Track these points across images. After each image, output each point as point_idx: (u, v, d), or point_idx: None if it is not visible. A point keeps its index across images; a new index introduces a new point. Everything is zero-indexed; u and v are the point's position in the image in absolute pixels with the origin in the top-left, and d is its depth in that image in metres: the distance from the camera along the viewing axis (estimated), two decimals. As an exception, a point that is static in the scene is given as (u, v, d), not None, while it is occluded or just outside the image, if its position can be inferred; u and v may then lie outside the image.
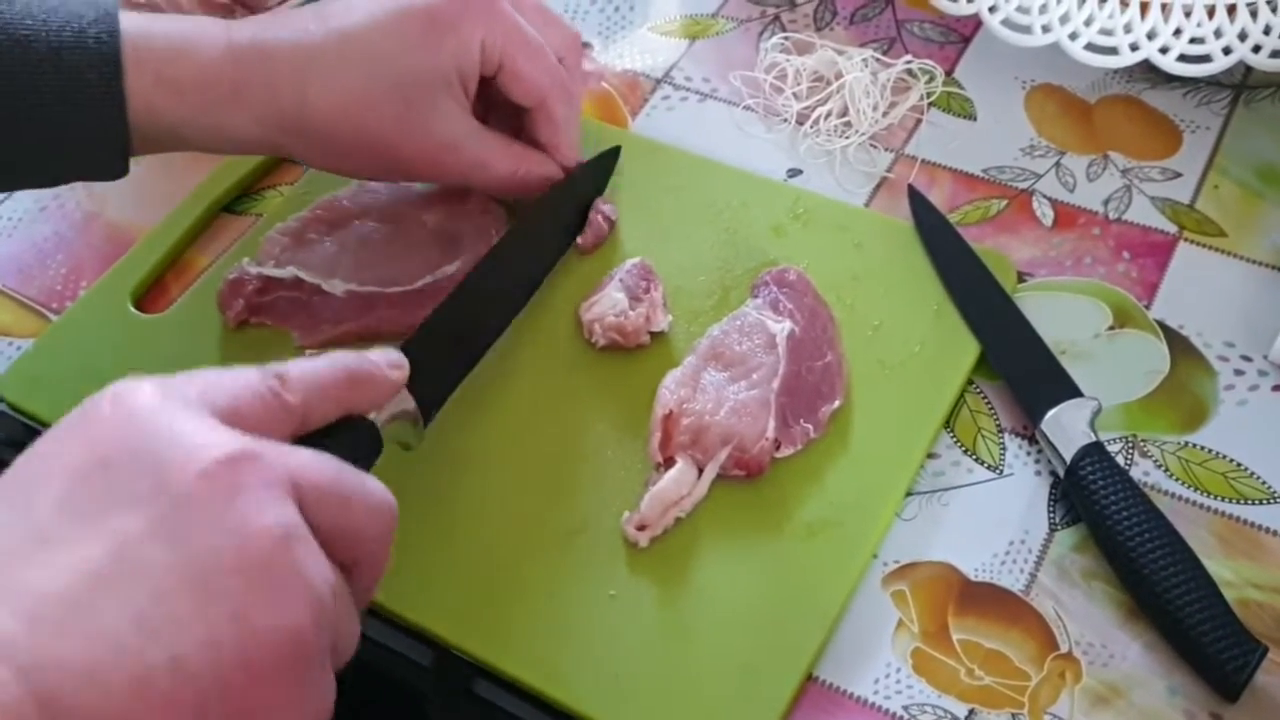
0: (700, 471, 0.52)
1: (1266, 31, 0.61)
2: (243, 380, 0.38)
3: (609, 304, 0.56)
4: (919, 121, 0.67)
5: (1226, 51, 0.61)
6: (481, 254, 0.60)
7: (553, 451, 0.54)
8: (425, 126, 0.55)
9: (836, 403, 0.54)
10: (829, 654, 0.49)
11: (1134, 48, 0.62)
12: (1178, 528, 0.49)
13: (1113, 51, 0.63)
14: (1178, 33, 0.62)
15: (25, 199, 0.68)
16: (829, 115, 0.67)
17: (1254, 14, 0.61)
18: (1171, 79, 0.66)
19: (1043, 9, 0.63)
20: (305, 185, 0.65)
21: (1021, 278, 0.60)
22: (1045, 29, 0.63)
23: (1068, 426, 0.52)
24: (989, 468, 0.54)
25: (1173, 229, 0.61)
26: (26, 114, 0.50)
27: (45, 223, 0.67)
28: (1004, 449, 0.54)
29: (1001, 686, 0.48)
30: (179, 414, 0.35)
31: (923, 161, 0.65)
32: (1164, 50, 0.62)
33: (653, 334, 0.57)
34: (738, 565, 0.50)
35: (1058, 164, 0.64)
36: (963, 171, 0.65)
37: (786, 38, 0.71)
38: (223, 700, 0.33)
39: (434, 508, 0.52)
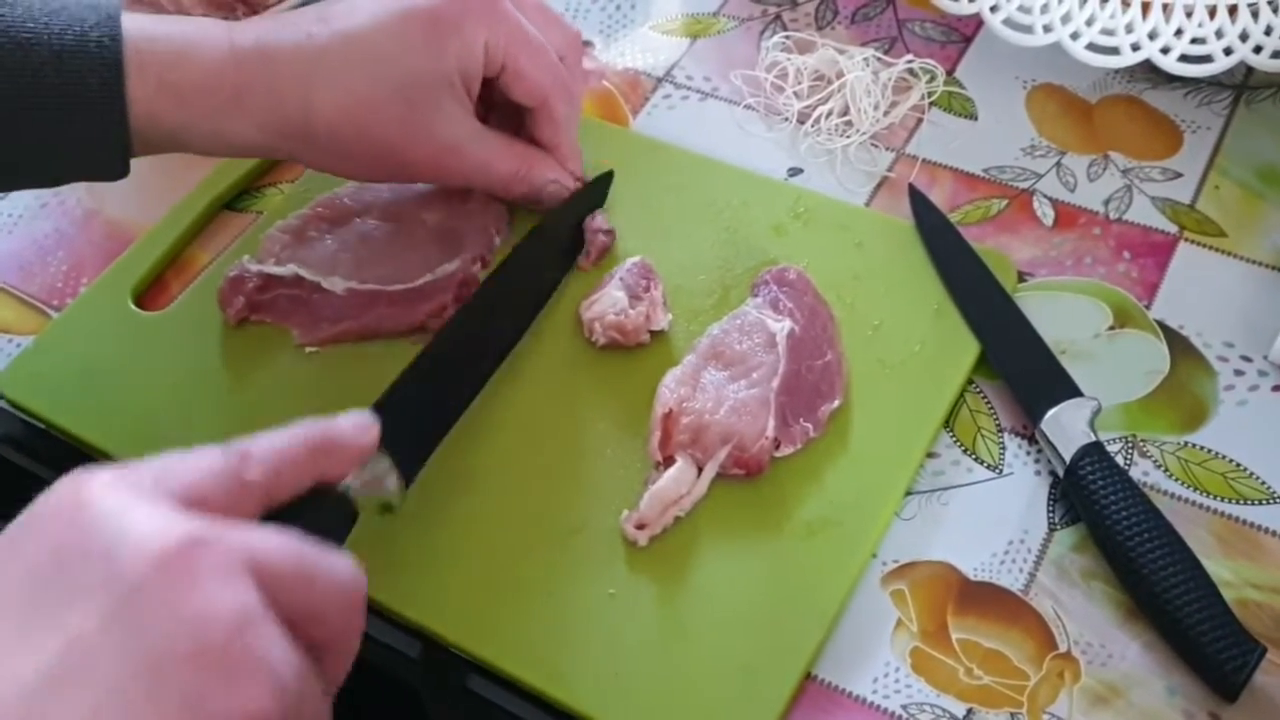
0: (700, 470, 0.52)
1: (1268, 32, 0.61)
2: (203, 462, 0.37)
3: (609, 303, 0.56)
4: (920, 121, 0.67)
5: (1228, 52, 0.61)
6: (481, 252, 0.61)
7: (552, 450, 0.54)
8: (428, 129, 0.55)
9: (836, 402, 0.54)
10: (828, 653, 0.49)
11: (1135, 48, 0.62)
12: (1177, 528, 0.49)
13: (1114, 51, 0.63)
14: (1179, 33, 0.62)
15: (26, 196, 0.68)
16: (830, 114, 0.67)
17: (1255, 14, 0.61)
18: (1173, 79, 0.66)
19: (1044, 8, 0.63)
20: (306, 183, 0.65)
21: (1022, 277, 0.60)
22: (1047, 29, 0.63)
23: (1067, 426, 0.52)
24: (989, 467, 0.54)
25: (1173, 229, 0.61)
26: (28, 116, 0.50)
27: (46, 220, 0.67)
28: (1004, 448, 0.54)
29: (1000, 686, 0.48)
30: (132, 503, 0.34)
31: (923, 161, 0.65)
32: (1165, 50, 0.62)
33: (653, 333, 0.57)
34: (737, 564, 0.50)
35: (1058, 164, 0.64)
36: (963, 171, 0.65)
37: (788, 37, 0.71)
38: None
39: (433, 506, 0.52)
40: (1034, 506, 0.52)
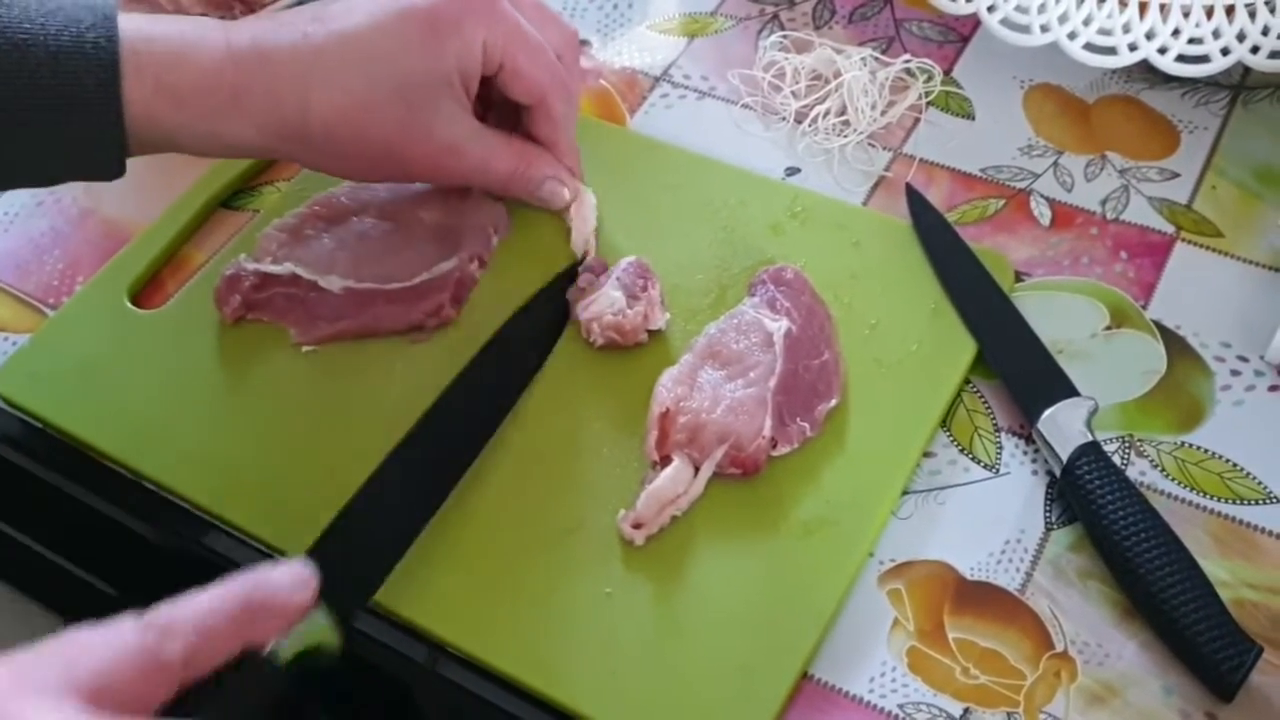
0: (696, 470, 0.52)
1: (1265, 32, 0.61)
2: (115, 644, 0.35)
3: (606, 302, 0.56)
4: (917, 120, 0.67)
5: (1225, 52, 0.61)
6: (479, 251, 0.61)
7: (549, 449, 0.54)
8: (427, 129, 0.55)
9: (833, 401, 0.54)
10: (824, 652, 0.49)
11: (1132, 48, 0.62)
12: (1174, 527, 0.49)
13: (1111, 51, 0.63)
14: (1176, 33, 0.62)
15: (22, 195, 0.68)
16: (827, 114, 0.67)
17: (1252, 15, 0.61)
18: (1170, 79, 0.66)
19: (1041, 8, 0.63)
20: (303, 181, 0.65)
21: (1019, 277, 0.60)
22: (1044, 29, 0.63)
23: (1064, 426, 0.52)
24: (985, 467, 0.54)
25: (1170, 229, 0.61)
26: (24, 117, 0.50)
27: (42, 218, 0.67)
28: (1000, 448, 0.54)
29: (997, 685, 0.48)
30: (31, 703, 0.33)
31: (921, 160, 0.65)
32: (1162, 50, 0.62)
33: (650, 332, 0.57)
34: (734, 564, 0.50)
35: (1056, 164, 0.65)
36: (961, 171, 0.65)
37: (785, 36, 0.71)
38: None
39: (430, 505, 0.52)
40: (1031, 506, 0.52)
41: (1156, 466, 0.53)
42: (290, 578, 0.40)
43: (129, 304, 0.61)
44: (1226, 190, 0.63)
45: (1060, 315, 0.58)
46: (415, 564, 0.51)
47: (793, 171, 0.65)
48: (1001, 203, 0.63)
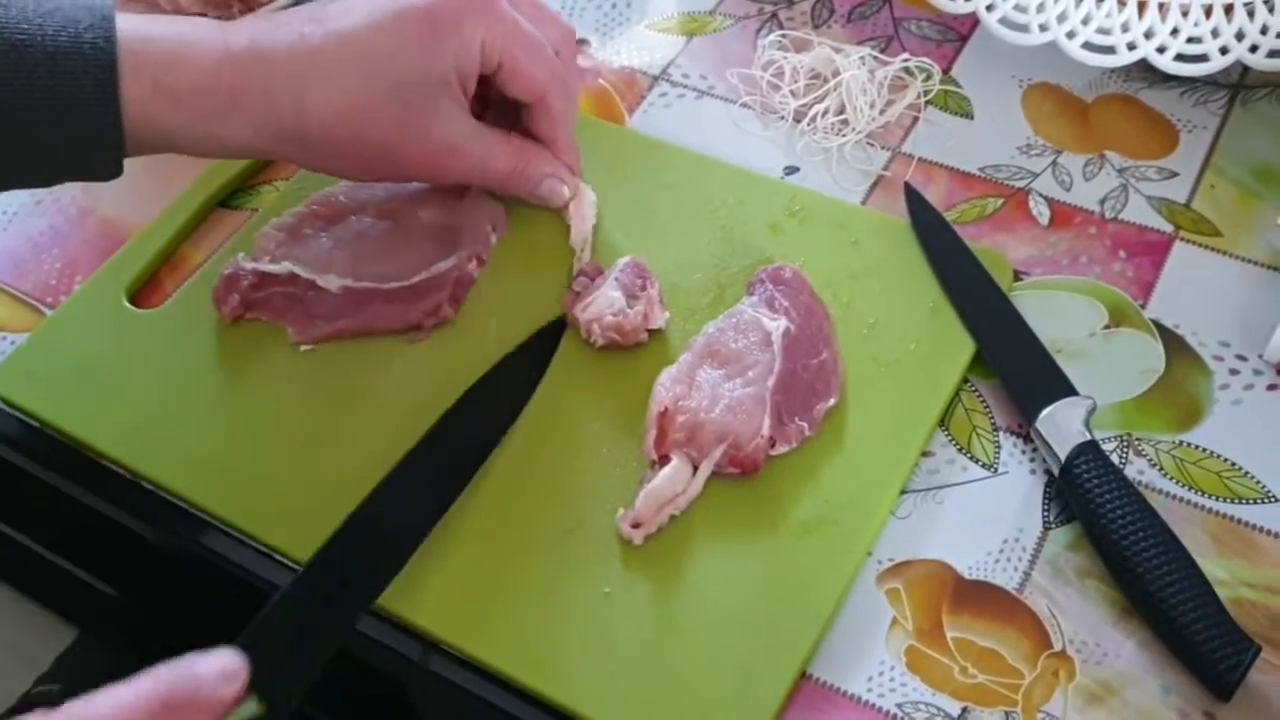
0: (695, 469, 0.52)
1: (1264, 31, 0.61)
2: None
3: (605, 303, 0.56)
4: (916, 119, 0.67)
5: (1223, 51, 0.61)
6: (478, 250, 0.60)
7: (547, 449, 0.54)
8: (424, 129, 0.55)
9: (832, 400, 0.54)
10: (823, 652, 0.49)
11: (1131, 47, 0.62)
12: (1172, 527, 0.49)
13: (1110, 50, 0.63)
14: (1175, 32, 0.62)
15: (21, 194, 0.68)
16: (826, 113, 0.67)
17: (1251, 14, 0.61)
18: (1168, 78, 0.66)
19: (1040, 8, 0.63)
20: (301, 180, 0.65)
21: (1018, 276, 0.60)
22: (1042, 28, 0.63)
23: (1063, 425, 0.52)
24: (984, 466, 0.54)
25: (1169, 228, 0.61)
26: (22, 118, 0.49)
27: (40, 217, 0.67)
28: (999, 447, 0.54)
29: (995, 684, 0.48)
30: None
31: (919, 160, 0.65)
32: (1161, 49, 0.62)
33: (650, 331, 0.57)
34: (732, 563, 0.50)
35: (1054, 163, 0.64)
36: (959, 170, 0.65)
37: (784, 35, 0.71)
38: None
39: (429, 504, 0.52)
40: (1029, 505, 0.52)
41: (1155, 465, 0.53)
42: (218, 670, 0.39)
43: (127, 303, 0.61)
44: (1225, 189, 0.63)
45: (1059, 314, 0.58)
46: (413, 564, 0.50)
47: (791, 170, 0.65)
48: (1000, 202, 0.63)
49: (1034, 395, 0.54)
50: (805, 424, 0.53)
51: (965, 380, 0.56)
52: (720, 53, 0.71)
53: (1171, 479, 0.53)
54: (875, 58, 0.68)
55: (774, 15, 0.73)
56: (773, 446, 0.52)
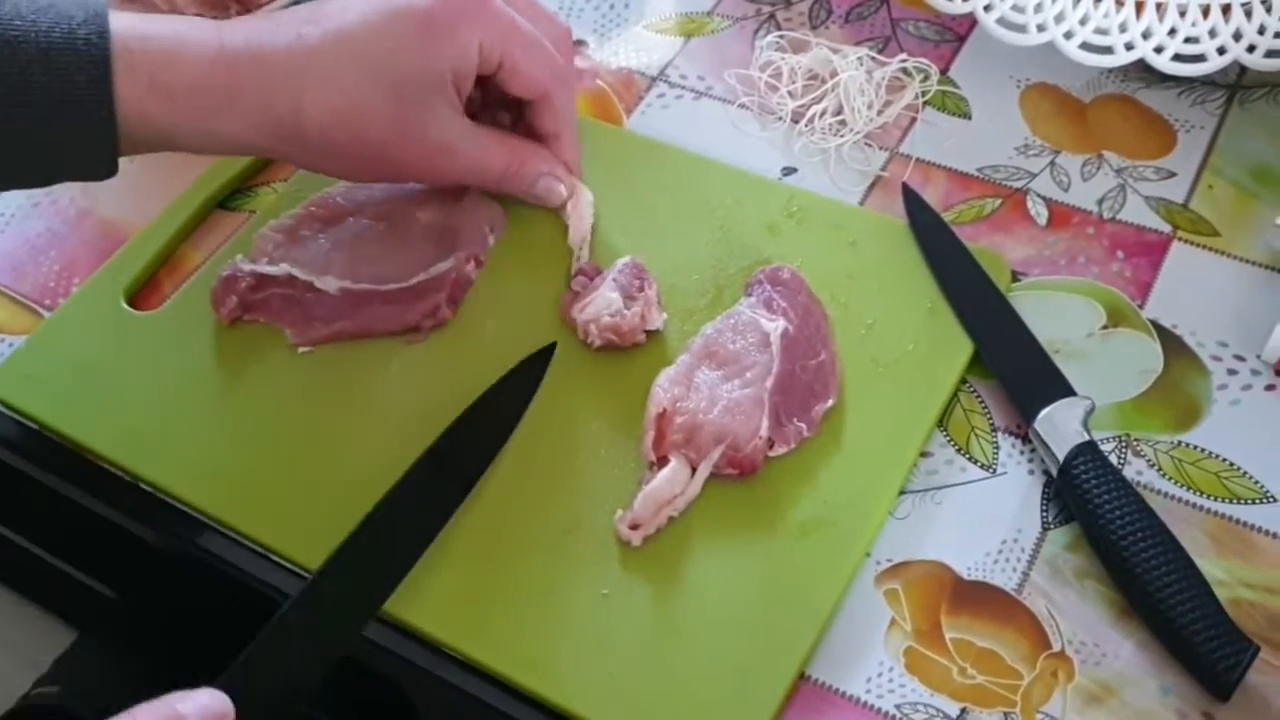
0: (693, 470, 0.52)
1: (1261, 31, 0.61)
2: None
3: (603, 304, 0.56)
4: (914, 120, 0.67)
5: (1221, 51, 0.61)
6: (476, 251, 0.60)
7: (546, 450, 0.54)
8: (421, 129, 0.55)
9: (830, 401, 0.54)
10: (821, 653, 0.49)
11: (1129, 47, 0.62)
12: (1170, 527, 0.49)
13: (1108, 51, 0.63)
14: (1172, 32, 0.62)
15: (18, 196, 0.68)
16: (824, 113, 0.67)
17: (1248, 14, 0.61)
18: (1166, 78, 0.66)
19: (1038, 8, 0.63)
20: (299, 182, 0.65)
21: (1016, 276, 0.60)
22: (1040, 28, 0.63)
23: (1061, 425, 0.52)
24: (982, 466, 0.54)
25: (1167, 228, 0.61)
26: (16, 115, 0.49)
27: (38, 219, 0.67)
28: (997, 448, 0.54)
29: (994, 685, 0.48)
30: None
31: (917, 160, 0.65)
32: (1159, 49, 0.62)
33: (648, 332, 0.57)
34: (731, 564, 0.50)
35: (1052, 163, 0.64)
36: (957, 170, 0.65)
37: (782, 36, 0.71)
38: None
39: (427, 506, 0.52)
40: (1027, 506, 0.52)
41: (1153, 466, 0.53)
42: (200, 709, 0.38)
43: (125, 305, 0.61)
44: (1223, 189, 0.63)
45: (1057, 315, 0.58)
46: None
47: (789, 171, 0.65)
48: (998, 202, 0.63)
49: (1032, 396, 0.54)
50: (804, 425, 0.53)
51: (963, 381, 0.56)
52: (718, 53, 0.71)
53: (1170, 479, 0.53)
54: (873, 58, 0.68)
55: (772, 16, 0.73)
56: (771, 447, 0.52)
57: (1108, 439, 0.54)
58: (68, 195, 0.67)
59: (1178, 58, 0.62)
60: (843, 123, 0.67)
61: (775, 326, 0.55)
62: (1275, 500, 0.52)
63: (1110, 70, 0.68)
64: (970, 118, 0.67)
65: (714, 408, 0.52)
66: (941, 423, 0.55)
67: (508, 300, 0.60)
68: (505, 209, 0.62)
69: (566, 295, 0.59)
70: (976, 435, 0.55)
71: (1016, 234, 0.62)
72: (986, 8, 0.64)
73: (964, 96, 0.68)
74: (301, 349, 0.58)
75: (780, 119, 0.68)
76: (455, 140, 0.56)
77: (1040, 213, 0.62)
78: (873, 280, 0.59)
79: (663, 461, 0.52)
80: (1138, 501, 0.50)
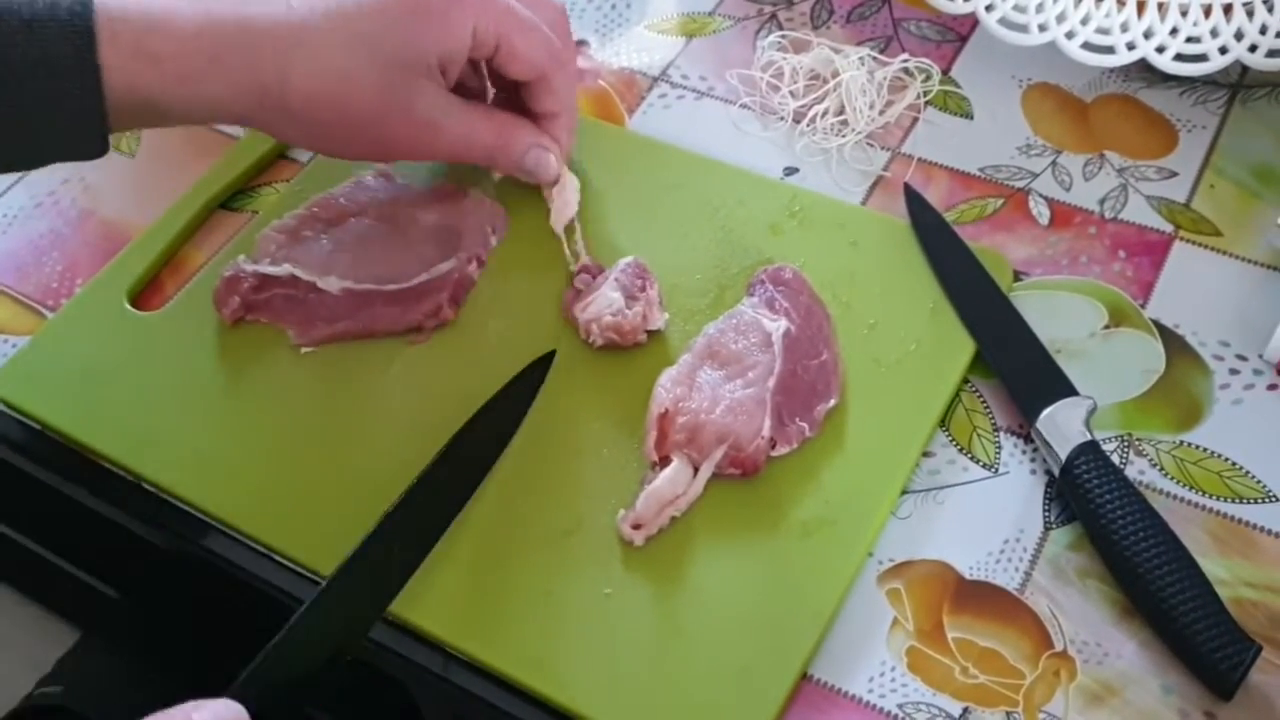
0: (695, 470, 0.52)
1: (1263, 31, 0.61)
2: None
3: (605, 303, 0.56)
4: (915, 120, 0.67)
5: (1223, 51, 0.61)
6: (477, 251, 0.60)
7: (548, 450, 0.54)
8: (407, 106, 0.55)
9: (832, 401, 0.54)
10: (824, 652, 0.49)
11: (1130, 47, 0.62)
12: (1173, 526, 0.49)
13: (1109, 50, 0.63)
14: (1174, 32, 0.62)
15: (21, 196, 0.68)
16: (825, 114, 0.67)
17: (1250, 13, 0.61)
18: (1168, 78, 0.66)
19: (1039, 8, 0.63)
20: (301, 182, 0.65)
21: (1018, 276, 0.60)
22: (1042, 28, 0.63)
23: (1063, 425, 0.52)
24: (984, 466, 0.54)
25: (1168, 228, 0.61)
26: (1, 88, 0.49)
27: (41, 220, 0.67)
28: (999, 447, 0.54)
29: (996, 685, 0.48)
30: None
31: (919, 160, 0.65)
32: (1160, 49, 0.62)
33: (649, 332, 0.57)
34: (733, 564, 0.50)
35: (1054, 163, 0.65)
36: (959, 170, 0.65)
37: (783, 36, 0.71)
38: None
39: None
40: (1030, 505, 0.52)
41: (1155, 465, 0.53)
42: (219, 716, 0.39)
43: (128, 306, 0.61)
44: (1225, 189, 0.63)
45: (1059, 314, 0.58)
46: (415, 565, 0.51)
47: (791, 171, 0.65)
48: (1000, 202, 0.63)
49: (1034, 395, 0.54)
50: (806, 425, 0.53)
51: (966, 380, 0.56)
52: (720, 54, 0.71)
53: (1172, 479, 0.53)
54: (875, 58, 0.68)
55: (773, 16, 0.73)
56: (773, 447, 0.52)
57: (1110, 438, 0.54)
58: (70, 196, 0.68)
59: (1179, 57, 0.62)
60: (844, 123, 0.67)
61: (777, 326, 0.55)
62: (1277, 500, 0.52)
63: (1112, 70, 0.68)
64: (972, 118, 0.67)
65: (716, 408, 0.52)
66: (944, 422, 0.55)
67: (510, 300, 0.60)
68: (507, 210, 0.62)
69: (569, 293, 0.59)
70: (979, 435, 0.55)
71: (1018, 234, 0.62)
72: (988, 8, 0.65)
73: (966, 96, 0.68)
74: (304, 349, 0.58)
75: (782, 119, 0.68)
76: (441, 116, 0.56)
77: (1042, 212, 0.62)
78: (875, 280, 0.59)
79: (665, 461, 0.52)
80: (1140, 501, 0.50)
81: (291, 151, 0.68)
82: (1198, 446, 0.54)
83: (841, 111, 0.67)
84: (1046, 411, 0.53)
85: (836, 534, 0.51)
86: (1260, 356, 0.56)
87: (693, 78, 0.71)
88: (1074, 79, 0.68)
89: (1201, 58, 0.62)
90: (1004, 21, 0.65)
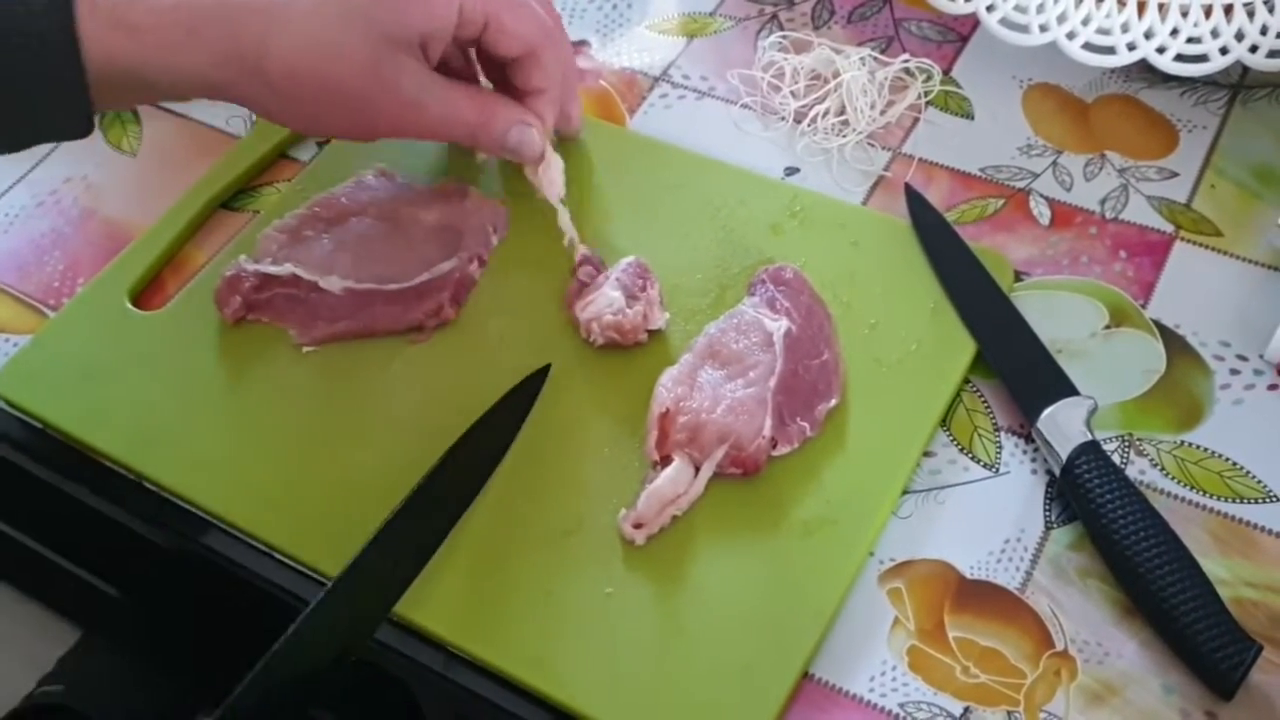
0: (697, 470, 0.52)
1: (1263, 31, 0.61)
2: None
3: (605, 302, 0.56)
4: (916, 120, 0.67)
5: (1223, 51, 0.61)
6: (479, 251, 0.61)
7: (549, 450, 0.54)
8: (390, 83, 0.54)
9: (833, 401, 0.54)
10: (825, 652, 0.49)
11: (1131, 47, 0.62)
12: (1173, 526, 0.49)
13: (1110, 51, 0.63)
14: (1175, 32, 0.62)
15: (23, 196, 0.68)
16: (826, 114, 0.67)
17: (1251, 14, 0.61)
18: (1168, 78, 0.67)
19: (1040, 8, 0.63)
20: (303, 182, 0.65)
21: (1018, 276, 0.60)
22: (1043, 28, 0.63)
23: (1064, 425, 0.52)
24: (985, 466, 0.54)
25: (1169, 228, 0.61)
26: None
27: (43, 219, 0.67)
28: (1000, 447, 0.54)
29: (997, 684, 0.48)
30: None
31: (920, 160, 0.65)
32: (1161, 50, 0.62)
33: (650, 332, 0.57)
34: (734, 563, 0.50)
35: (1055, 163, 0.65)
36: (960, 170, 0.65)
37: (784, 36, 0.71)
38: None
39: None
40: (1030, 505, 0.53)
41: (1156, 465, 0.53)
42: None
43: (129, 305, 0.61)
44: (1225, 189, 0.63)
45: (1060, 314, 0.58)
46: (416, 564, 0.51)
47: (792, 171, 0.65)
48: (1001, 202, 0.63)
49: (1035, 395, 0.54)
50: (807, 424, 0.53)
51: (966, 380, 0.56)
52: (721, 54, 0.71)
53: (1173, 479, 0.53)
54: (875, 58, 0.68)
55: (774, 16, 0.73)
56: (774, 447, 0.52)
57: (1110, 438, 0.54)
58: (72, 195, 0.68)
59: (1180, 58, 0.62)
60: (845, 123, 0.67)
61: (778, 326, 0.55)
62: (1278, 499, 0.52)
63: (1113, 70, 0.68)
64: (973, 118, 0.67)
65: (717, 407, 0.52)
66: (944, 422, 0.55)
67: (511, 300, 0.60)
68: (508, 210, 0.62)
69: (571, 287, 0.59)
70: (979, 435, 0.55)
71: (1019, 234, 0.62)
72: (989, 8, 0.65)
73: (966, 96, 0.68)
74: (305, 348, 0.58)
75: (783, 119, 0.68)
76: (424, 94, 0.55)
77: (1043, 213, 0.63)
78: (875, 280, 0.59)
79: (666, 461, 0.52)
80: (1140, 501, 0.50)
81: (293, 151, 0.68)
82: (1198, 446, 0.54)
83: (842, 111, 0.67)
84: (1047, 411, 0.53)
85: (837, 533, 0.51)
86: (1261, 356, 0.56)
87: (694, 78, 0.71)
88: (1075, 79, 0.68)
89: (1202, 58, 0.62)
90: (1005, 22, 0.65)
